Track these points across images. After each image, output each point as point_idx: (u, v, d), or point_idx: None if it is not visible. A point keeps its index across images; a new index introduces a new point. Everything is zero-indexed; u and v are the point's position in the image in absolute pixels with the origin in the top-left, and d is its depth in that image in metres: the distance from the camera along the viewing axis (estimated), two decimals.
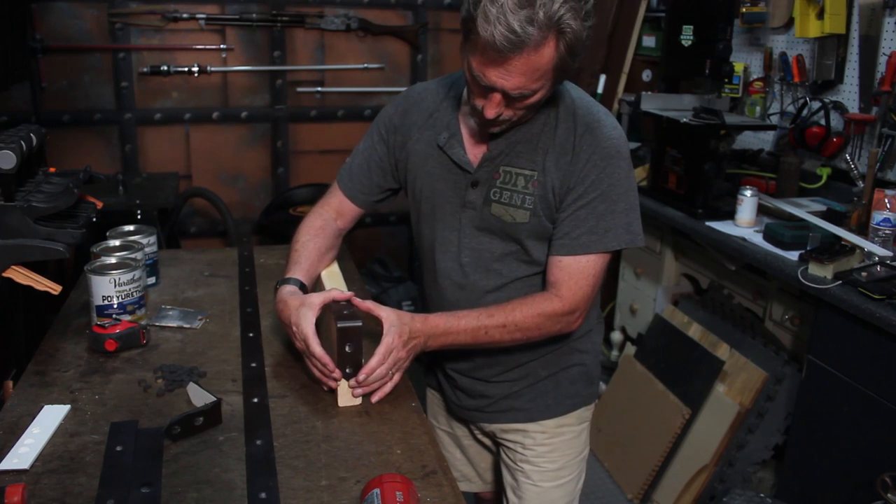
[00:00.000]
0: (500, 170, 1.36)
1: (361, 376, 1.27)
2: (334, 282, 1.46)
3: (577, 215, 1.33)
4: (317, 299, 1.32)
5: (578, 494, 1.61)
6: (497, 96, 1.23)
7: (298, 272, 1.44)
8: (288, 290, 1.39)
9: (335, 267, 1.56)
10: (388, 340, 1.27)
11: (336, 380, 1.28)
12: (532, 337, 1.37)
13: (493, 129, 1.33)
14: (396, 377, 1.31)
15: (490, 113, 1.25)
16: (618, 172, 1.32)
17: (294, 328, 1.31)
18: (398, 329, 1.28)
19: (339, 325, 1.24)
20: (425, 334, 1.31)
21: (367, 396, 1.31)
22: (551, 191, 1.34)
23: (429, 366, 1.65)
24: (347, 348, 1.25)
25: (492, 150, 1.37)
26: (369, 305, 1.31)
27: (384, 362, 1.27)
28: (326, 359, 1.27)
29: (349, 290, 1.38)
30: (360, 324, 1.25)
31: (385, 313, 1.30)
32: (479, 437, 1.65)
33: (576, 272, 1.34)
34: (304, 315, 1.30)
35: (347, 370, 1.27)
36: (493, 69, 1.19)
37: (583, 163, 1.31)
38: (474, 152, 1.39)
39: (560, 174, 1.33)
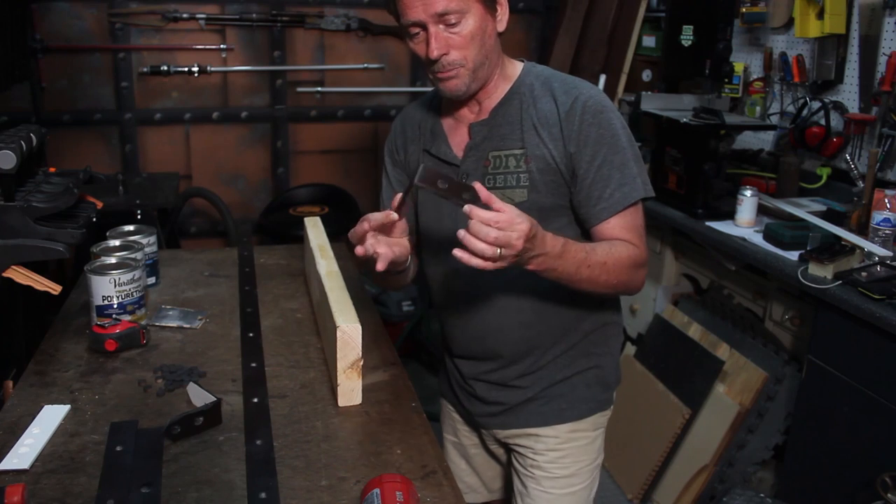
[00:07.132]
0: (489, 156, 1.36)
1: (484, 192, 1.10)
2: (334, 281, 1.46)
3: (601, 175, 1.31)
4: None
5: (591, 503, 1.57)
6: (433, 30, 1.25)
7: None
8: None
9: (335, 266, 1.55)
10: (516, 214, 1.10)
11: (392, 220, 1.20)
12: (612, 284, 1.30)
13: (452, 82, 1.29)
14: (490, 264, 1.10)
15: (434, 49, 1.25)
16: (614, 122, 1.33)
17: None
18: (532, 222, 1.12)
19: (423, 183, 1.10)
20: (542, 251, 1.17)
21: (366, 397, 1.31)
22: (553, 162, 1.33)
23: (445, 375, 1.63)
24: (440, 184, 1.10)
25: (474, 138, 1.37)
26: (489, 195, 1.11)
27: (497, 227, 1.08)
28: (380, 215, 1.20)
29: (349, 290, 1.37)
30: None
31: (512, 208, 1.12)
32: (490, 446, 1.63)
33: (628, 226, 1.34)
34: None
35: (464, 196, 1.10)
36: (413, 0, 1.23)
37: (577, 125, 1.31)
38: (458, 145, 1.40)
39: (556, 144, 1.32)
